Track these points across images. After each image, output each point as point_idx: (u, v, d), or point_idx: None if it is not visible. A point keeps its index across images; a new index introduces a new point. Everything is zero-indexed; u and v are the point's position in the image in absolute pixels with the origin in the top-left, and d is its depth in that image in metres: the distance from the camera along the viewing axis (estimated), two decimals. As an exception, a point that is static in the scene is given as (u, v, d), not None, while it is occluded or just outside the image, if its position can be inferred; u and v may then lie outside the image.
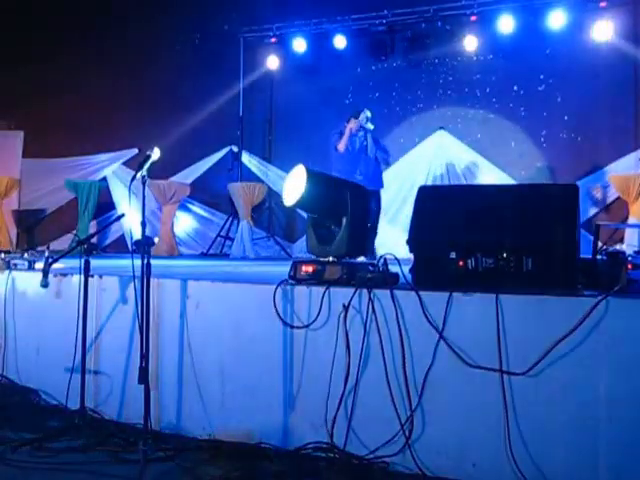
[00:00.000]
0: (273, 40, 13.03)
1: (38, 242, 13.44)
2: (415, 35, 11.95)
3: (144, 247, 4.27)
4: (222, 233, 13.14)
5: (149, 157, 4.43)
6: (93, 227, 13.94)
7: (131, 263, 4.28)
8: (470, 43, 11.49)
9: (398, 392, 4.07)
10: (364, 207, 4.60)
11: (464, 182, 11.32)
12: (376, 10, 12.10)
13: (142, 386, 4.44)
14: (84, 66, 14.83)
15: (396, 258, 4.29)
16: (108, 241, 14.30)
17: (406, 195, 11.70)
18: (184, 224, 13.55)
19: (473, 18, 11.41)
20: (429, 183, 11.59)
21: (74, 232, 12.56)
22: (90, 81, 14.63)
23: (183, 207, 13.31)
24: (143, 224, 4.27)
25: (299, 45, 12.77)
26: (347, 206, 4.45)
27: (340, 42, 12.46)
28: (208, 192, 13.45)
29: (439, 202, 4.30)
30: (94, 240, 11.71)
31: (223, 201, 13.37)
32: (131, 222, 12.02)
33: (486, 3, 11.39)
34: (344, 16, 12.40)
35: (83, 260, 4.71)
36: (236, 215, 12.84)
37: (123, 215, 5.42)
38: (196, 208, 13.59)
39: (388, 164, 10.41)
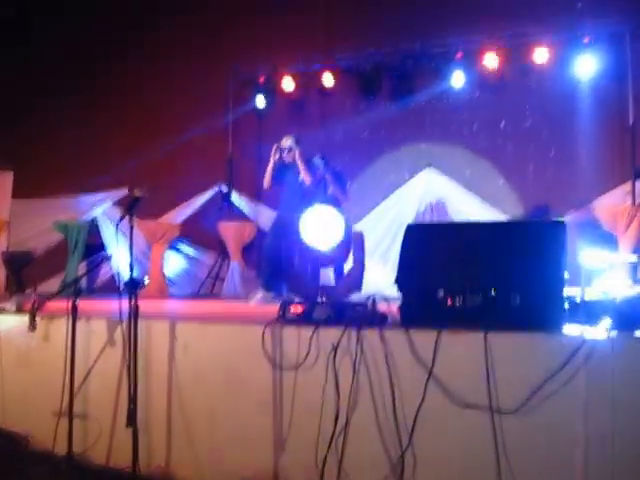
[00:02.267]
0: (262, 79, 13.06)
1: (27, 284, 13.43)
2: (402, 73, 11.95)
3: (132, 289, 4.23)
4: (212, 273, 13.09)
5: (138, 199, 4.42)
6: (82, 268, 13.90)
7: (118, 304, 4.25)
8: (456, 80, 11.52)
9: (388, 432, 4.05)
10: (362, 246, 4.61)
11: (453, 218, 11.31)
12: (363, 49, 12.15)
13: (131, 429, 4.41)
14: (72, 106, 14.87)
15: (385, 297, 4.29)
16: (98, 282, 14.23)
17: (396, 232, 11.65)
18: (174, 264, 13.50)
19: (459, 55, 11.47)
20: (419, 220, 11.59)
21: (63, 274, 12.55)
22: (79, 121, 14.68)
23: (173, 247, 13.26)
24: (131, 266, 4.25)
25: (287, 84, 12.80)
26: (357, 244, 4.46)
27: (328, 81, 12.48)
28: (198, 232, 13.38)
29: (426, 241, 4.31)
30: (82, 282, 11.72)
31: (213, 241, 13.31)
32: (120, 263, 12.04)
33: (471, 40, 11.46)
34: (331, 55, 12.46)
35: (71, 303, 4.68)
36: (226, 255, 12.80)
37: (110, 257, 5.40)
38: (186, 248, 13.53)
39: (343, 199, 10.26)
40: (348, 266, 4.58)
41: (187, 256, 13.56)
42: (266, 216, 12.47)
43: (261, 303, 8.81)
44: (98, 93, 14.66)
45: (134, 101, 14.18)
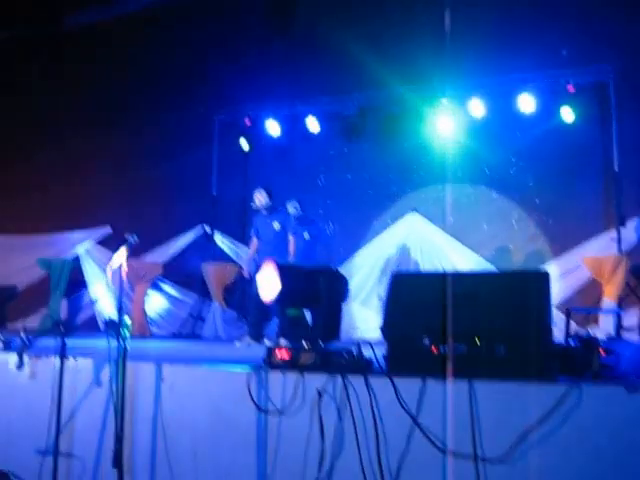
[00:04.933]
0: (247, 122, 13.14)
1: (9, 319, 13.40)
2: (386, 117, 12.06)
3: (119, 331, 4.27)
4: (194, 313, 13.08)
5: (130, 246, 4.48)
6: (64, 305, 13.86)
7: (103, 344, 4.29)
8: (441, 126, 11.61)
9: (373, 478, 4.07)
10: (338, 291, 4.65)
11: (437, 264, 11.33)
12: (347, 92, 12.26)
13: (115, 470, 4.42)
14: (55, 143, 14.92)
15: (370, 343, 4.34)
16: (79, 320, 14.17)
17: (378, 277, 11.74)
18: (156, 304, 13.48)
19: (444, 101, 11.58)
20: (401, 265, 11.64)
21: (45, 311, 12.52)
22: (62, 159, 14.72)
23: (155, 286, 13.25)
24: (120, 310, 4.28)
25: (272, 127, 12.89)
26: (321, 292, 4.51)
27: (312, 124, 12.56)
28: (180, 272, 13.40)
29: (412, 289, 4.37)
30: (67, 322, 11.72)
31: (195, 281, 13.33)
32: (103, 303, 12.01)
33: (457, 87, 11.59)
34: (316, 99, 12.57)
35: (60, 342, 4.71)
36: (208, 295, 12.81)
37: (96, 300, 5.44)
38: (168, 288, 13.52)
39: (321, 241, 10.53)
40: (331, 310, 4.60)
41: (169, 296, 13.55)
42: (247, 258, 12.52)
43: (247, 347, 8.99)
44: (81, 132, 14.69)
45: (118, 141, 14.24)
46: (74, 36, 15.19)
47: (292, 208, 10.13)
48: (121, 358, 4.33)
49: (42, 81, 15.29)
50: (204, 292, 13.00)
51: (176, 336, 12.48)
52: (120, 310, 4.38)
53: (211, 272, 12.55)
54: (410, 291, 4.35)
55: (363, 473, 4.08)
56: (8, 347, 5.97)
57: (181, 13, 13.97)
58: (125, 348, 4.32)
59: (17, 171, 15.23)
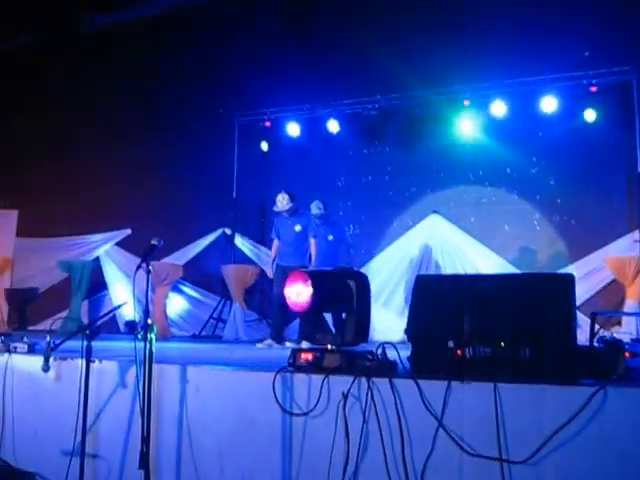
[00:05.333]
0: (267, 124, 13.14)
1: (29, 321, 13.48)
2: (407, 119, 12.04)
3: (146, 333, 4.30)
4: (214, 315, 13.11)
5: (153, 247, 4.50)
6: (85, 307, 13.94)
7: (125, 345, 4.31)
8: (463, 127, 11.58)
9: (398, 480, 4.08)
10: (366, 294, 4.66)
11: (458, 265, 11.30)
12: (369, 95, 12.24)
13: (141, 471, 4.44)
14: (78, 148, 15.00)
15: (394, 345, 4.34)
16: (98, 322, 14.21)
17: (399, 279, 11.73)
18: (176, 305, 13.52)
19: (466, 102, 11.53)
20: (422, 267, 11.62)
21: (67, 313, 12.59)
22: (84, 163, 14.77)
23: (175, 288, 13.29)
24: (146, 312, 4.30)
25: (293, 129, 12.90)
26: (352, 296, 4.51)
27: (333, 126, 12.55)
28: (201, 274, 13.44)
29: (437, 292, 4.37)
30: (85, 322, 11.76)
31: (216, 283, 13.37)
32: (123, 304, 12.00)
33: (479, 88, 11.54)
34: (337, 101, 12.56)
35: (85, 345, 4.74)
36: (228, 297, 12.83)
37: (124, 303, 5.48)
38: (188, 290, 13.57)
39: (344, 243, 10.57)
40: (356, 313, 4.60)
41: (190, 297, 13.60)
42: (270, 260, 12.52)
43: (268, 349, 9.03)
44: (101, 135, 14.76)
45: (140, 144, 14.28)
46: (96, 38, 15.26)
47: (316, 208, 10.14)
48: (147, 360, 4.35)
49: (62, 85, 15.37)
50: (225, 294, 13.02)
51: (197, 338, 12.50)
52: (146, 312, 4.39)
53: (232, 274, 12.57)
54: (434, 294, 4.35)
55: (388, 475, 4.08)
56: (32, 350, 6.02)
57: (200, 17, 14.02)
58: (151, 350, 4.34)
59: (39, 176, 15.31)
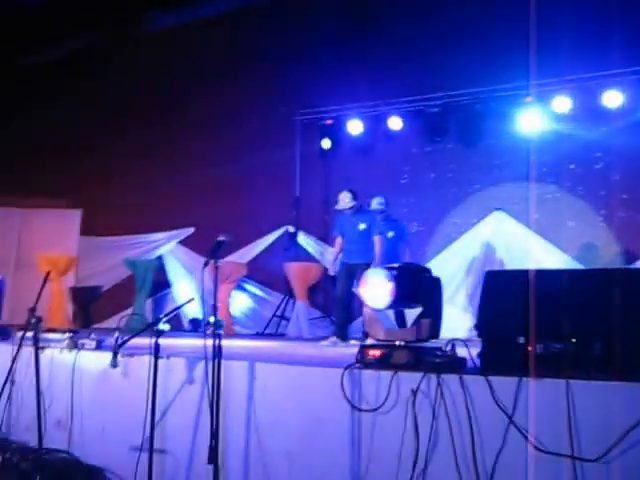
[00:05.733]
0: (329, 122, 13.15)
1: (93, 319, 13.67)
2: (470, 116, 11.93)
3: (214, 329, 4.32)
4: (278, 313, 13.14)
5: (221, 243, 4.52)
6: (149, 305, 14.09)
7: (188, 342, 4.34)
8: (526, 122, 11.44)
9: (468, 478, 4.03)
10: (440, 291, 4.62)
11: (523, 262, 11.16)
12: (430, 92, 12.16)
13: (208, 467, 4.47)
14: (141, 147, 15.16)
15: (464, 342, 4.30)
16: (166, 319, 14.33)
17: (462, 276, 11.64)
18: (240, 303, 13.59)
19: (529, 99, 11.41)
20: (486, 264, 11.51)
21: (132, 310, 12.73)
22: (146, 162, 14.94)
23: (239, 286, 13.36)
24: (214, 308, 4.33)
25: (354, 126, 12.87)
26: (429, 292, 4.48)
27: (395, 124, 12.52)
28: (264, 272, 13.48)
29: (507, 287, 4.31)
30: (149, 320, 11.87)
31: (279, 281, 13.39)
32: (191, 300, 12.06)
33: (541, 84, 11.38)
34: (398, 98, 12.52)
35: (153, 342, 4.78)
36: (292, 295, 12.85)
37: (192, 299, 5.52)
38: (252, 287, 13.62)
39: (404, 240, 10.53)
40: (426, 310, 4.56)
41: (253, 295, 13.65)
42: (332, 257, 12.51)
43: (333, 346, 9.02)
44: (165, 138, 14.91)
45: (202, 143, 14.38)
46: (152, 38, 15.45)
47: (377, 204, 10.13)
48: (216, 356, 4.37)
49: (125, 85, 15.56)
50: (288, 292, 13.04)
51: (260, 335, 12.54)
52: (215, 309, 4.42)
53: (295, 272, 12.58)
54: (505, 289, 4.30)
55: (458, 472, 4.05)
56: (100, 346, 6.09)
57: (261, 15, 14.07)
58: (220, 346, 4.36)
59: (102, 176, 15.52)
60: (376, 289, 4.41)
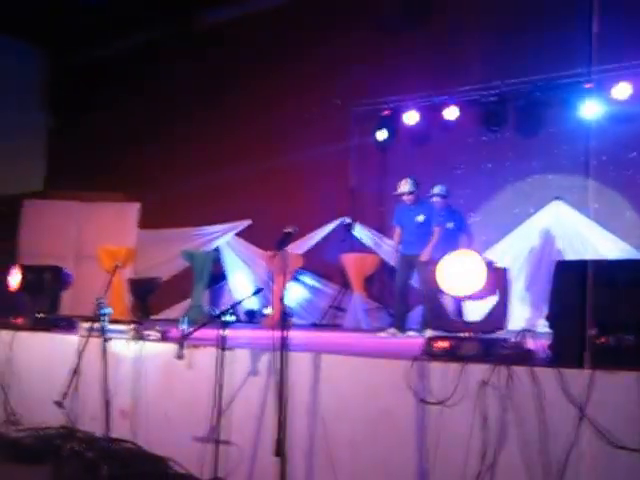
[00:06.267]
0: (385, 112, 13.08)
1: (151, 311, 13.77)
2: (528, 104, 11.76)
3: (283, 321, 4.31)
4: (334, 304, 13.14)
5: (289, 235, 4.52)
6: (206, 296, 14.16)
7: (244, 334, 4.33)
8: (586, 110, 11.23)
9: (537, 472, 3.98)
10: (509, 282, 4.56)
11: (582, 253, 10.99)
12: (487, 81, 12.02)
13: (272, 458, 4.46)
14: (197, 141, 15.26)
15: (533, 333, 4.24)
16: (217, 311, 14.42)
17: (520, 267, 11.50)
18: (296, 295, 13.59)
19: (588, 86, 11.20)
20: (544, 254, 11.38)
21: (191, 302, 12.81)
22: (204, 155, 15.02)
23: (294, 278, 13.36)
24: (282, 300, 4.32)
25: (410, 117, 12.79)
26: (501, 283, 4.43)
27: (451, 113, 12.40)
28: (320, 263, 13.46)
29: (579, 277, 4.22)
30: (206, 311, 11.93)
31: (335, 272, 13.38)
32: (244, 292, 12.14)
33: (602, 70, 11.17)
34: (455, 87, 12.40)
35: (219, 334, 4.79)
36: (348, 286, 12.82)
37: (261, 289, 5.52)
38: (308, 279, 13.61)
39: (464, 231, 10.43)
40: (493, 301, 4.51)
41: (309, 286, 13.64)
42: (389, 248, 12.45)
43: (392, 338, 8.99)
44: (222, 127, 14.99)
45: (258, 135, 14.43)
46: (206, 32, 15.55)
47: (439, 190, 10.10)
48: (283, 348, 4.37)
49: (181, 79, 15.68)
50: (344, 283, 13.02)
51: (316, 327, 12.54)
52: (283, 300, 4.41)
53: (351, 263, 12.56)
54: (576, 280, 4.21)
55: (527, 467, 3.99)
56: (165, 337, 6.12)
57: (315, 7, 14.07)
58: (287, 338, 4.35)
59: (160, 169, 15.65)
60: (466, 274, 4.34)
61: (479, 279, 4.31)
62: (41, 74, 18.86)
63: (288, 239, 4.73)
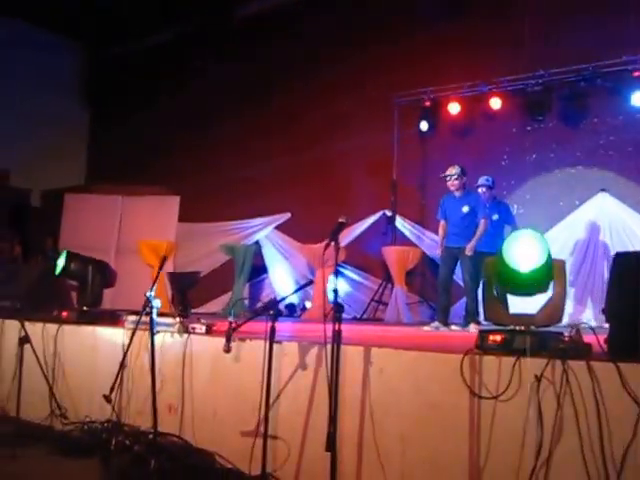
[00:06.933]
0: (427, 103, 12.99)
1: (191, 304, 13.79)
2: (573, 94, 11.61)
3: (335, 313, 4.25)
4: (375, 297, 13.07)
5: (342, 225, 4.46)
6: (247, 289, 14.17)
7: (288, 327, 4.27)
8: (633, 100, 11.04)
9: (594, 468, 3.87)
10: (564, 273, 4.46)
11: (628, 245, 10.81)
12: (532, 70, 11.88)
13: (321, 453, 4.40)
14: (238, 135, 15.26)
15: (590, 327, 4.14)
16: (259, 304, 14.43)
17: (566, 259, 11.35)
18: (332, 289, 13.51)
19: (636, 74, 10.99)
20: (590, 247, 11.23)
21: (233, 296, 12.80)
22: (244, 149, 15.03)
23: (336, 271, 13.28)
24: (335, 292, 4.26)
25: (453, 107, 12.71)
26: (560, 272, 4.33)
27: (495, 103, 12.32)
28: (361, 256, 13.40)
29: (637, 269, 4.12)
30: (246, 303, 11.90)
31: (376, 265, 13.33)
32: (283, 285, 12.11)
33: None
34: (499, 77, 12.28)
35: (269, 326, 4.74)
36: (389, 279, 12.75)
37: (311, 282, 5.46)
38: (349, 272, 13.55)
39: (510, 223, 10.31)
40: (548, 295, 4.41)
41: (350, 280, 13.58)
42: (431, 241, 12.37)
43: (435, 331, 8.91)
44: (259, 122, 14.99)
45: (298, 128, 14.40)
46: (251, 21, 15.55)
47: (484, 180, 10.02)
48: (336, 341, 4.31)
49: (220, 72, 15.69)
50: (385, 276, 12.94)
51: (357, 320, 12.49)
52: (336, 293, 4.35)
53: (393, 256, 12.49)
54: (635, 272, 4.10)
55: (584, 462, 3.88)
56: (210, 331, 6.08)
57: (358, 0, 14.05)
58: (340, 331, 4.29)
59: (200, 162, 15.68)
60: (526, 250, 4.23)
61: (538, 255, 4.20)
62: (79, 69, 19.01)
63: (341, 229, 4.65)
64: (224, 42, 15.74)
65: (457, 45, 12.56)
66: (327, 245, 4.52)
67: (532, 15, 11.68)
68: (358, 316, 12.89)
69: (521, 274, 4.23)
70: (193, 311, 12.83)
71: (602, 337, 4.21)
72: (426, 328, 9.33)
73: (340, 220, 4.64)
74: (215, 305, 14.25)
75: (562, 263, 4.43)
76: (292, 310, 13.52)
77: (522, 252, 4.24)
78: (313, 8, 14.59)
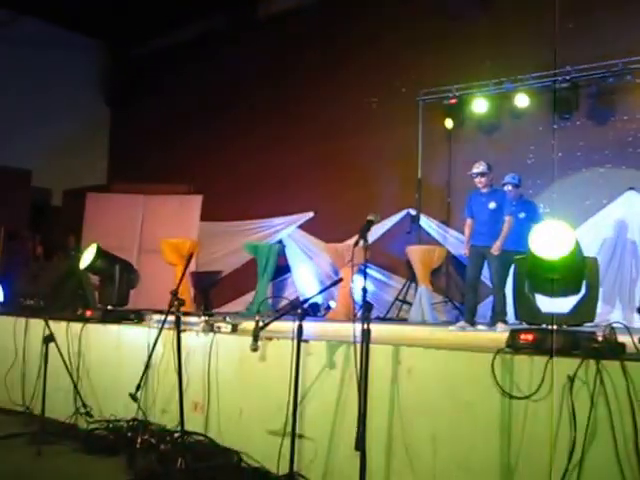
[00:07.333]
0: (453, 101, 12.92)
1: (213, 304, 13.80)
2: (601, 91, 11.50)
3: (364, 312, 4.20)
4: (400, 297, 12.99)
5: (371, 223, 4.40)
6: (270, 288, 14.15)
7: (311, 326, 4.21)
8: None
9: (629, 470, 3.80)
10: (597, 271, 4.38)
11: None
12: (559, 67, 11.77)
13: (349, 453, 4.37)
14: (261, 134, 15.25)
15: (625, 326, 4.07)
16: (282, 303, 14.42)
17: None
18: (361, 287, 13.45)
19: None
20: (617, 246, 11.12)
21: (256, 295, 12.77)
22: (266, 148, 15.01)
23: (359, 270, 13.23)
24: (364, 291, 4.21)
25: (479, 105, 12.63)
26: (591, 274, 4.26)
27: (521, 101, 12.24)
28: (385, 255, 13.33)
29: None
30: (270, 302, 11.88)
31: (401, 265, 13.26)
32: (307, 285, 12.07)
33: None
34: (525, 74, 12.19)
35: (296, 325, 4.69)
36: (414, 279, 12.67)
37: (340, 280, 5.42)
38: (373, 271, 13.48)
39: (536, 222, 10.20)
40: (581, 293, 4.34)
41: (374, 279, 13.52)
42: (455, 240, 12.30)
43: (462, 331, 8.85)
44: (285, 121, 14.97)
45: (322, 127, 14.37)
46: (270, 22, 15.55)
47: (511, 178, 9.96)
48: (365, 340, 4.26)
49: (244, 70, 15.69)
50: (410, 276, 12.87)
51: (382, 320, 12.42)
52: (364, 291, 4.30)
53: (417, 255, 12.42)
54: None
55: (619, 464, 3.81)
56: (235, 330, 6.06)
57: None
58: (369, 330, 4.23)
59: (222, 162, 15.67)
60: (556, 236, 4.16)
61: (567, 243, 4.12)
62: (101, 68, 19.06)
63: (370, 227, 4.59)
64: (249, 40, 15.72)
65: (484, 43, 12.49)
66: (356, 243, 4.46)
67: (559, 10, 11.55)
68: (382, 316, 12.80)
69: (553, 271, 4.16)
70: (215, 310, 12.92)
71: (636, 337, 4.15)
72: (452, 328, 9.26)
73: (369, 218, 4.58)
74: (237, 305, 14.25)
75: (594, 260, 4.36)
76: (316, 309, 13.48)
77: (550, 240, 4.18)
78: (341, 6, 14.56)
